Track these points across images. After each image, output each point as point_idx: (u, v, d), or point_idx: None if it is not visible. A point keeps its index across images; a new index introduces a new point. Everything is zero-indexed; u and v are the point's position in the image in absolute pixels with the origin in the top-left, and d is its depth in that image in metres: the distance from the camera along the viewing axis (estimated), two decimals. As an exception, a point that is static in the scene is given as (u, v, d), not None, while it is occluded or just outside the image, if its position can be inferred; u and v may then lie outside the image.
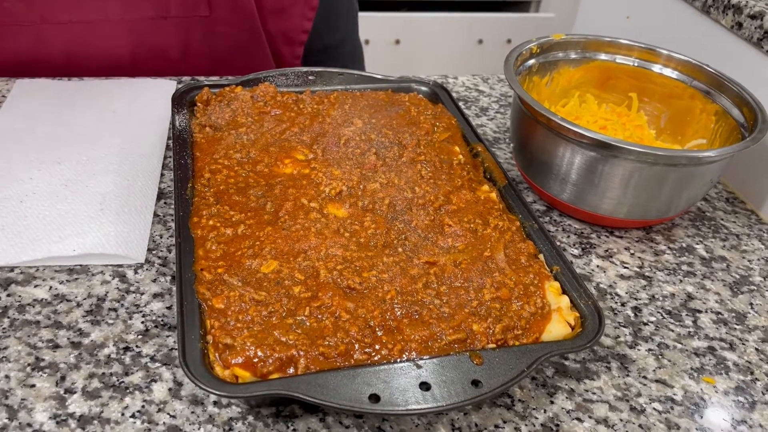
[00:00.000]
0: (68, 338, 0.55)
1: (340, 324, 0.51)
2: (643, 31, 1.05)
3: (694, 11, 0.92)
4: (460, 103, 0.94)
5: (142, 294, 0.59)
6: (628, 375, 0.57)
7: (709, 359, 0.60)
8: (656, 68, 0.82)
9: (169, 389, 0.51)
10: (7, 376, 0.51)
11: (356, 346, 0.50)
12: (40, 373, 0.52)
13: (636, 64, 0.82)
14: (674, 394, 0.56)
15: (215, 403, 0.51)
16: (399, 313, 0.53)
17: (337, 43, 1.11)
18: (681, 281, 0.68)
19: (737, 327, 0.64)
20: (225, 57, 0.97)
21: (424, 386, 0.47)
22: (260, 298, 0.52)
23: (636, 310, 0.64)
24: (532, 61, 0.80)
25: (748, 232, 0.77)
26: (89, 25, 0.89)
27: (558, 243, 0.71)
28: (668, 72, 0.81)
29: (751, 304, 0.67)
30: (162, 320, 0.57)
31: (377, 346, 0.50)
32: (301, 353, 0.48)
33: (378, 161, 0.69)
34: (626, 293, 0.66)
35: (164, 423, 0.49)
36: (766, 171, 0.80)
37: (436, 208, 0.64)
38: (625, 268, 0.69)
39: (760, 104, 0.71)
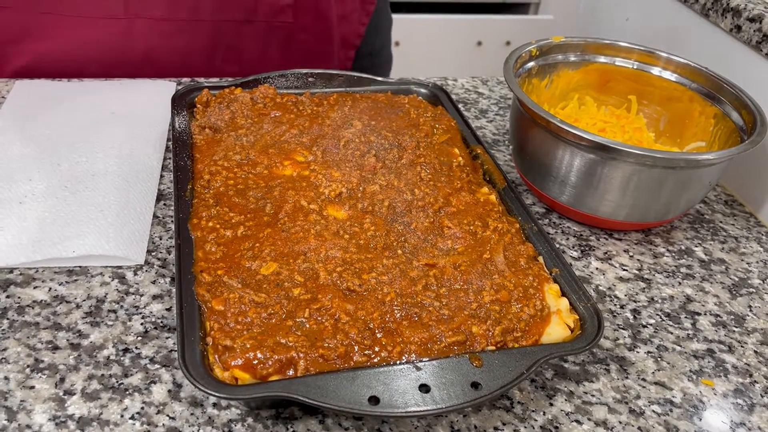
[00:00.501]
0: (68, 340, 0.55)
1: (340, 326, 0.51)
2: (642, 33, 1.06)
3: (694, 14, 0.92)
4: (460, 105, 0.94)
5: (142, 295, 0.59)
6: (627, 377, 0.57)
7: (708, 362, 0.60)
8: (655, 71, 0.82)
9: (169, 391, 0.51)
10: (6, 378, 0.51)
11: (356, 348, 0.50)
12: (40, 374, 0.52)
13: (635, 67, 0.83)
14: (673, 397, 0.56)
15: (215, 404, 0.51)
16: (398, 315, 0.53)
17: (378, 50, 1.14)
18: (680, 284, 0.68)
19: (736, 329, 0.64)
20: (297, 63, 0.99)
21: (424, 388, 0.47)
22: (260, 300, 0.52)
23: (635, 312, 0.64)
24: (531, 64, 0.80)
25: (746, 235, 0.77)
26: (178, 23, 0.91)
27: (557, 245, 0.71)
28: (667, 75, 0.81)
29: (749, 306, 0.67)
30: (161, 322, 0.57)
31: (377, 348, 0.50)
32: (301, 355, 0.48)
33: (377, 163, 0.69)
34: (625, 295, 0.66)
35: (164, 425, 0.49)
36: (765, 173, 0.80)
37: (436, 210, 0.64)
38: (624, 270, 0.69)
39: (759, 107, 0.71)
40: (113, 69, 0.92)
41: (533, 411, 0.53)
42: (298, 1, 0.95)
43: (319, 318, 0.52)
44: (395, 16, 1.18)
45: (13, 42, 0.90)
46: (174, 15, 0.90)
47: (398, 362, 0.49)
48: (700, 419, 0.54)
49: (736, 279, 0.70)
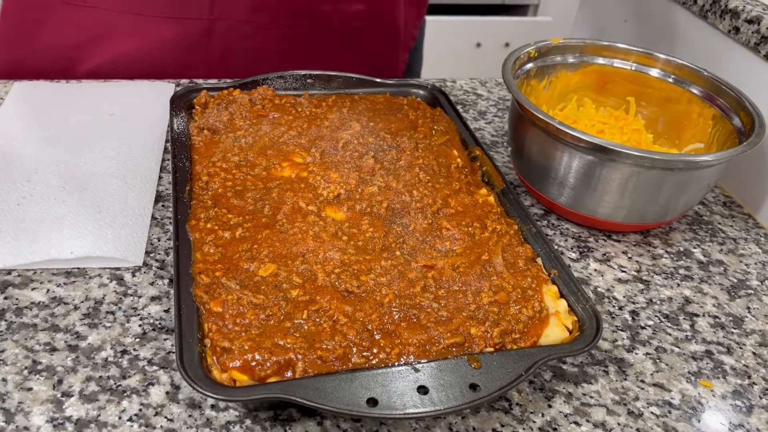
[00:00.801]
0: (65, 341, 0.54)
1: (338, 327, 0.51)
2: (640, 35, 1.06)
3: (692, 15, 0.92)
4: (459, 107, 0.94)
5: (140, 297, 0.59)
6: (625, 379, 0.57)
7: (707, 363, 0.60)
8: (654, 72, 0.82)
9: (167, 393, 0.51)
10: (4, 380, 0.51)
11: (354, 349, 0.50)
12: (38, 376, 0.51)
13: (633, 68, 0.83)
14: (672, 398, 0.56)
15: (213, 406, 0.51)
16: (397, 316, 0.53)
17: (418, 46, 1.17)
18: (678, 285, 0.68)
19: (735, 331, 0.64)
20: (365, 68, 1.00)
21: (422, 390, 0.47)
22: (258, 302, 0.52)
23: (633, 313, 0.64)
24: (530, 65, 0.80)
25: (745, 236, 0.77)
26: (257, 25, 0.93)
27: (556, 247, 0.71)
28: (666, 76, 0.81)
29: (748, 308, 0.67)
30: (160, 323, 0.57)
31: (375, 350, 0.50)
32: (299, 357, 0.48)
33: (376, 165, 0.69)
34: (624, 297, 0.66)
35: (162, 426, 0.49)
36: (763, 175, 0.80)
37: (434, 212, 0.64)
38: (623, 271, 0.69)
39: (757, 108, 0.71)
40: (189, 69, 0.94)
41: (532, 412, 0.53)
42: (370, 8, 0.97)
43: (317, 319, 0.52)
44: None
45: (95, 40, 0.91)
46: (255, 18, 0.93)
47: (396, 364, 0.49)
48: (699, 421, 0.54)
49: (735, 280, 0.70)
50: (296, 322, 0.51)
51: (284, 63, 0.95)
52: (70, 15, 0.90)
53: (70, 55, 0.92)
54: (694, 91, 0.79)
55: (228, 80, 0.85)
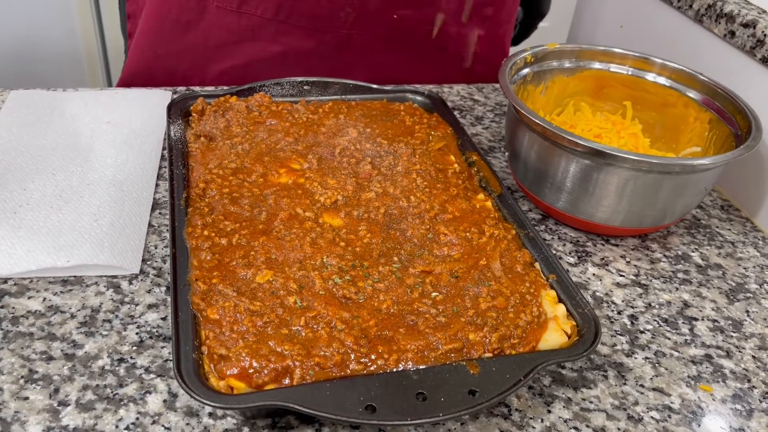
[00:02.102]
0: (62, 350, 0.54)
1: (336, 334, 0.51)
2: (636, 39, 1.06)
3: (687, 20, 0.92)
4: (456, 113, 0.94)
5: (137, 305, 0.59)
6: (625, 383, 0.57)
7: (706, 367, 0.60)
8: (650, 77, 0.82)
9: (164, 401, 0.51)
10: (0, 389, 0.51)
11: (352, 356, 0.50)
12: (34, 385, 0.51)
13: (630, 73, 0.83)
14: (671, 403, 0.56)
15: (210, 414, 0.51)
16: (395, 322, 0.53)
17: None
18: (677, 289, 0.68)
19: (734, 335, 0.64)
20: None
21: (421, 396, 0.47)
22: (255, 309, 0.52)
23: (632, 318, 0.64)
24: (526, 70, 0.80)
25: (743, 240, 0.77)
26: (386, 44, 0.98)
27: (554, 251, 0.71)
28: (662, 80, 0.81)
29: (747, 311, 0.67)
30: (157, 331, 0.57)
31: (373, 356, 0.50)
32: (297, 364, 0.48)
33: (373, 171, 0.69)
34: (622, 301, 0.66)
35: (159, 435, 0.49)
36: (761, 178, 0.80)
37: (432, 217, 0.64)
38: (621, 276, 0.69)
39: (754, 112, 0.71)
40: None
41: (531, 418, 0.53)
42: (488, 35, 1.01)
43: (314, 326, 0.51)
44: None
45: (237, 43, 0.95)
46: (390, 35, 0.97)
47: (395, 370, 0.49)
48: (699, 425, 0.54)
49: (734, 284, 0.70)
50: (293, 328, 0.51)
51: (400, 77, 1.00)
52: (222, 18, 0.93)
53: (209, 55, 0.96)
54: (691, 95, 0.79)
55: (224, 87, 0.85)
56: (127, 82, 0.99)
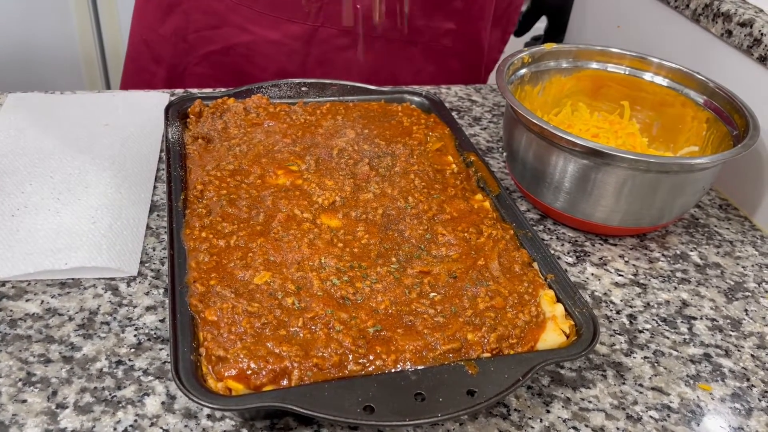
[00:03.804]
0: (60, 353, 0.54)
1: (334, 335, 0.51)
2: (633, 39, 1.06)
3: (685, 19, 0.93)
4: (453, 113, 0.94)
5: (135, 307, 0.59)
6: (624, 383, 0.57)
7: (705, 366, 0.60)
8: (647, 76, 0.82)
9: (162, 403, 0.51)
10: (-3, 392, 0.51)
11: (350, 356, 0.50)
12: (32, 388, 0.51)
13: (627, 73, 0.83)
14: (670, 402, 0.56)
15: (209, 416, 0.50)
16: (393, 323, 0.52)
17: None
18: (676, 288, 0.68)
19: (732, 333, 0.64)
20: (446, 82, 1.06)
21: (419, 397, 0.47)
22: (253, 310, 0.52)
23: (631, 317, 0.64)
24: (523, 71, 0.80)
25: (741, 239, 0.77)
26: (356, 36, 0.97)
27: (552, 251, 0.71)
28: (659, 80, 0.81)
29: (746, 310, 0.67)
30: (155, 333, 0.57)
31: (371, 357, 0.50)
32: (295, 365, 0.48)
33: (371, 171, 0.69)
34: (621, 301, 0.66)
35: (157, 437, 0.49)
36: (758, 177, 0.80)
37: (430, 218, 0.64)
38: (620, 275, 0.69)
39: (751, 111, 0.72)
40: (287, 76, 0.96)
41: (530, 418, 0.53)
42: (460, 28, 1.00)
43: (312, 327, 0.51)
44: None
45: (212, 28, 0.96)
46: (355, 28, 0.95)
47: (393, 371, 0.49)
48: (698, 424, 0.54)
49: (732, 283, 0.70)
50: (291, 329, 0.51)
51: (373, 76, 0.99)
52: (200, 1, 0.95)
53: (191, 40, 0.98)
54: (688, 94, 0.79)
55: (222, 89, 0.85)
56: (125, 76, 1.02)
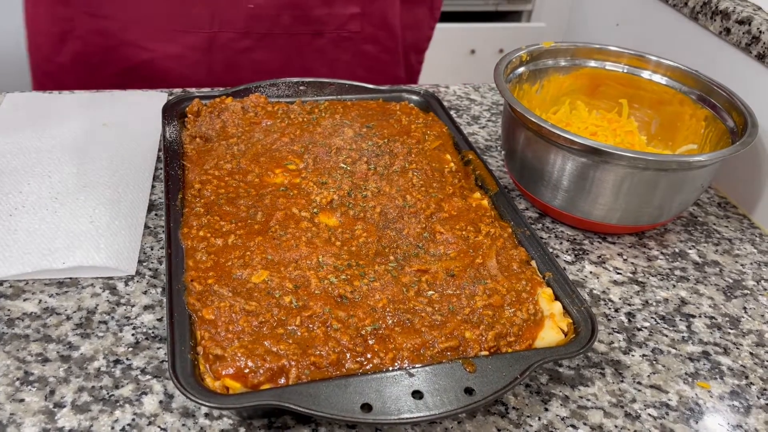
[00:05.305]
0: (58, 352, 0.54)
1: (332, 333, 0.51)
2: (632, 37, 1.06)
3: (683, 17, 0.93)
4: (452, 112, 0.94)
5: (133, 306, 0.59)
6: (622, 381, 0.57)
7: (704, 364, 0.60)
8: (645, 74, 0.82)
9: (160, 402, 0.51)
10: (-5, 391, 0.51)
11: (348, 355, 0.50)
12: (29, 387, 0.51)
13: (625, 71, 0.83)
14: (669, 400, 0.56)
15: (206, 415, 0.50)
16: (391, 321, 0.52)
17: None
18: (674, 286, 0.68)
19: (731, 331, 0.64)
20: (363, 74, 1.04)
21: (417, 395, 0.46)
22: (251, 309, 0.52)
23: (629, 315, 0.64)
24: (522, 69, 0.80)
25: (740, 237, 0.77)
26: (257, 37, 0.95)
27: (551, 250, 0.71)
28: (657, 78, 0.81)
29: (744, 308, 0.67)
30: (153, 332, 0.57)
31: (369, 355, 0.50)
32: (293, 363, 0.48)
33: (369, 170, 0.69)
34: (619, 299, 0.66)
35: (155, 436, 0.48)
36: (757, 175, 0.80)
37: (428, 216, 0.64)
38: (618, 273, 0.69)
39: (749, 108, 0.71)
40: (195, 85, 0.96)
41: (528, 416, 0.53)
42: (365, 10, 0.98)
43: (310, 325, 0.51)
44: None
45: (111, 49, 0.95)
46: (253, 28, 0.94)
47: (391, 369, 0.49)
48: (697, 422, 0.54)
49: (731, 281, 0.70)
50: (289, 328, 0.51)
51: (286, 74, 0.95)
52: (93, 25, 0.93)
53: (93, 63, 0.96)
54: (687, 92, 0.79)
55: (220, 88, 0.85)
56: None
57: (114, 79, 0.96)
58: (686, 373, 0.58)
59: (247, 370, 0.47)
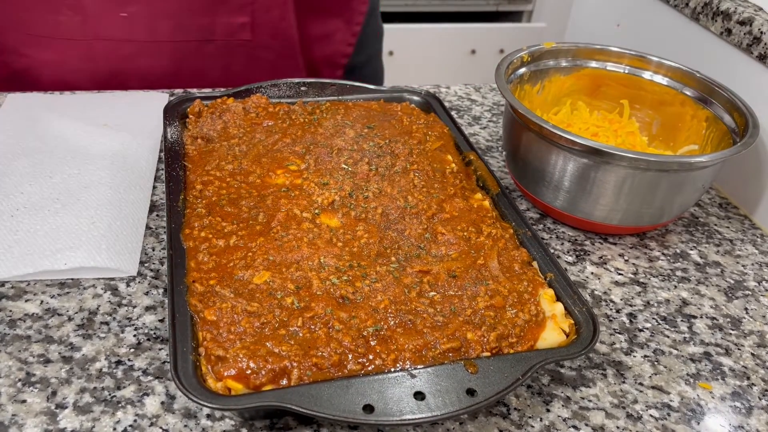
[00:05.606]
0: (59, 353, 0.54)
1: (333, 334, 0.51)
2: (633, 38, 1.06)
3: (684, 18, 0.93)
4: (453, 113, 0.94)
5: (135, 307, 0.59)
6: (624, 382, 0.57)
7: (705, 365, 0.60)
8: (647, 75, 0.82)
9: (162, 403, 0.51)
10: (-3, 392, 0.51)
11: (350, 356, 0.50)
12: (31, 388, 0.51)
13: (626, 72, 0.83)
14: (671, 401, 0.56)
15: (208, 416, 0.50)
16: (393, 322, 0.52)
17: (364, 63, 1.13)
18: (675, 287, 0.68)
19: (732, 332, 0.64)
20: (261, 80, 0.99)
21: (419, 396, 0.46)
22: (252, 310, 0.52)
23: (631, 316, 0.64)
24: (523, 70, 0.80)
25: (741, 237, 0.77)
26: (138, 44, 0.92)
27: (552, 250, 0.71)
28: (659, 79, 0.81)
29: (746, 309, 0.67)
30: (154, 333, 0.57)
31: (371, 356, 0.50)
32: (294, 364, 0.48)
33: (370, 171, 0.69)
34: (621, 300, 0.66)
35: (157, 437, 0.48)
36: (758, 176, 0.80)
37: (429, 217, 0.64)
38: (620, 274, 0.69)
39: (751, 109, 0.71)
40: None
41: (530, 417, 0.53)
42: (255, 20, 0.94)
43: (312, 326, 0.51)
44: (391, 26, 1.19)
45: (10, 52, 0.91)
46: (133, 36, 0.90)
47: (393, 370, 0.49)
48: (698, 423, 0.54)
49: (732, 282, 0.70)
50: (291, 329, 0.51)
51: (175, 82, 0.95)
52: None
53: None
54: (688, 93, 0.79)
55: (221, 89, 0.85)
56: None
57: (4, 85, 0.93)
58: (688, 374, 0.58)
59: (249, 371, 0.47)
